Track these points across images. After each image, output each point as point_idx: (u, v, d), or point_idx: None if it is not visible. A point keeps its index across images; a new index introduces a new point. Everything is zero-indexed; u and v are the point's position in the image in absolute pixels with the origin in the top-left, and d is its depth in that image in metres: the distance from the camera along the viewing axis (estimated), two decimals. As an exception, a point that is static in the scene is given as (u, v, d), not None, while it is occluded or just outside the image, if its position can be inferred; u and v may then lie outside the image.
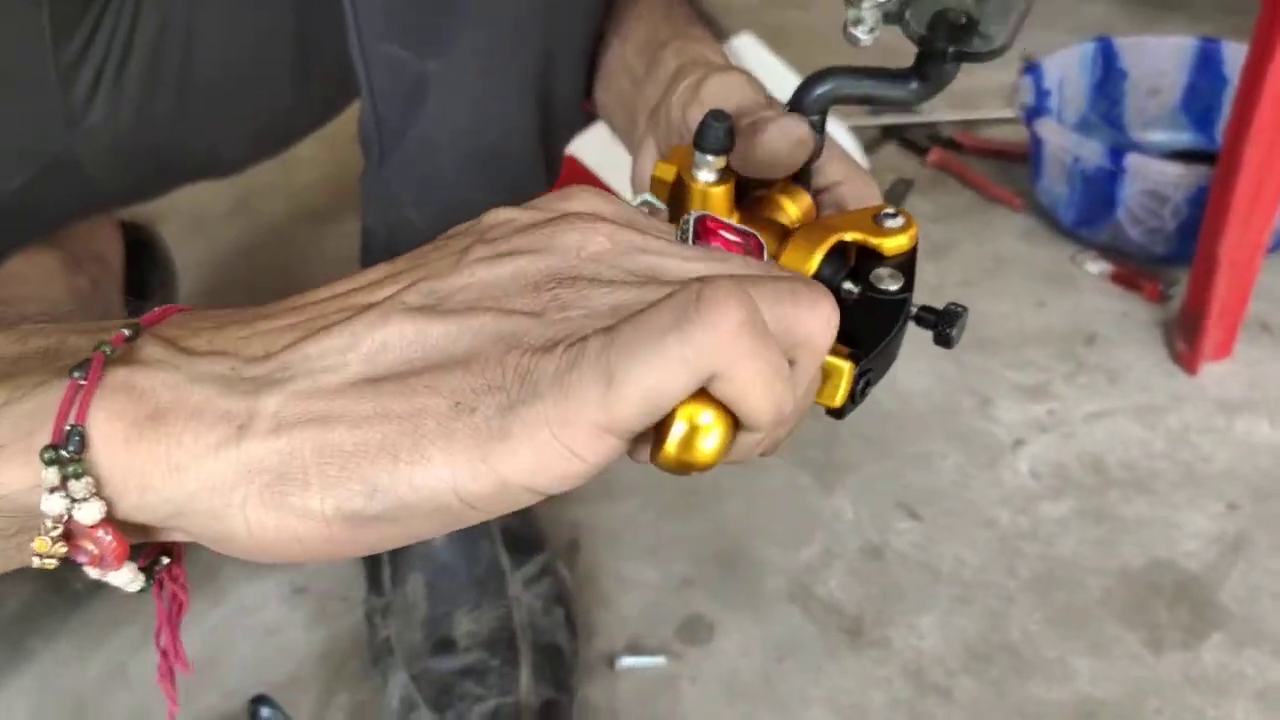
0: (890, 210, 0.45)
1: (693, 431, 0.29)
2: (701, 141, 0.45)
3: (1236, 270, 1.04)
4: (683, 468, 0.30)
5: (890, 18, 0.44)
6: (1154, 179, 1.14)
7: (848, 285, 0.44)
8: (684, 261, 0.33)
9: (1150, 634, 0.86)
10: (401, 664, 0.82)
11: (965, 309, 0.44)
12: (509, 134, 0.66)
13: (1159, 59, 1.34)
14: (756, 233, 0.37)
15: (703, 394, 0.29)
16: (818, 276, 0.44)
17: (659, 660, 0.86)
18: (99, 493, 0.30)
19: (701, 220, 0.36)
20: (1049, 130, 1.20)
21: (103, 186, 0.76)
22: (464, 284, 0.32)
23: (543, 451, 0.28)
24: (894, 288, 0.43)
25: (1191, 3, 1.65)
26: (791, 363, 0.32)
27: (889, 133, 1.46)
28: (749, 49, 1.34)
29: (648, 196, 0.50)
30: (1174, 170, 1.13)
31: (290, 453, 0.29)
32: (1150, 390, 1.07)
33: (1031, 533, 0.94)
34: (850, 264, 0.45)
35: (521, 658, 0.81)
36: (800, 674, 0.85)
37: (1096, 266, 1.22)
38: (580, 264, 0.32)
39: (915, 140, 1.43)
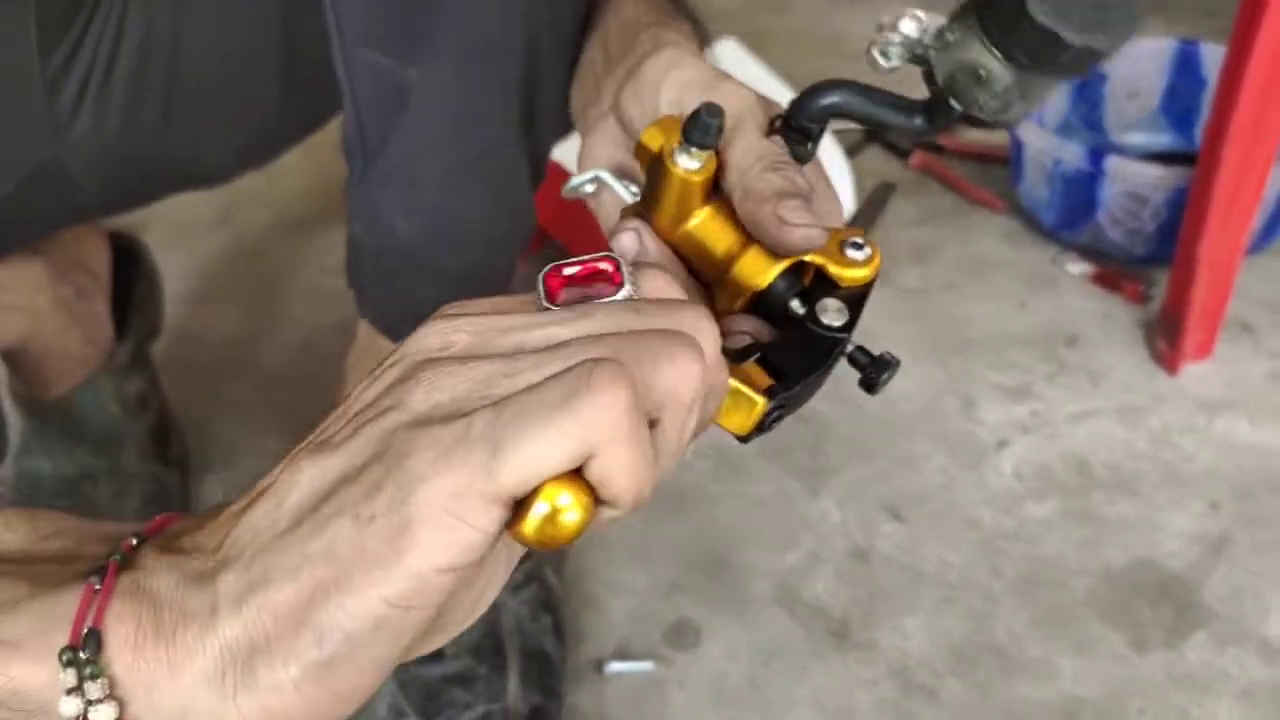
0: (858, 240, 0.44)
1: (554, 512, 0.30)
2: (689, 133, 0.43)
3: (1216, 271, 1.05)
4: (542, 545, 0.31)
5: (916, 59, 0.43)
6: (1133, 181, 1.15)
7: (795, 304, 0.44)
8: (547, 328, 0.34)
9: (1134, 633, 0.87)
10: (389, 671, 0.82)
11: (898, 361, 0.44)
12: (492, 140, 0.66)
13: (1138, 62, 1.35)
14: (609, 253, 0.37)
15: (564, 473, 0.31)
16: (770, 289, 0.44)
17: (647, 665, 0.86)
18: (112, 693, 0.31)
19: (545, 278, 0.36)
20: (1030, 133, 1.21)
21: (90, 195, 0.75)
22: (349, 413, 0.34)
23: (440, 530, 0.29)
24: (836, 323, 0.42)
25: (1170, 5, 1.66)
26: (656, 422, 0.32)
27: (872, 135, 1.47)
28: (730, 54, 1.35)
29: (601, 173, 0.49)
30: (1153, 172, 1.14)
31: (252, 623, 0.31)
32: (1132, 391, 1.08)
33: (1015, 533, 0.95)
34: (803, 284, 0.44)
35: (509, 664, 0.81)
36: (787, 676, 0.85)
37: (1078, 268, 1.22)
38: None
39: (898, 143, 1.44)
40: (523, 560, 0.90)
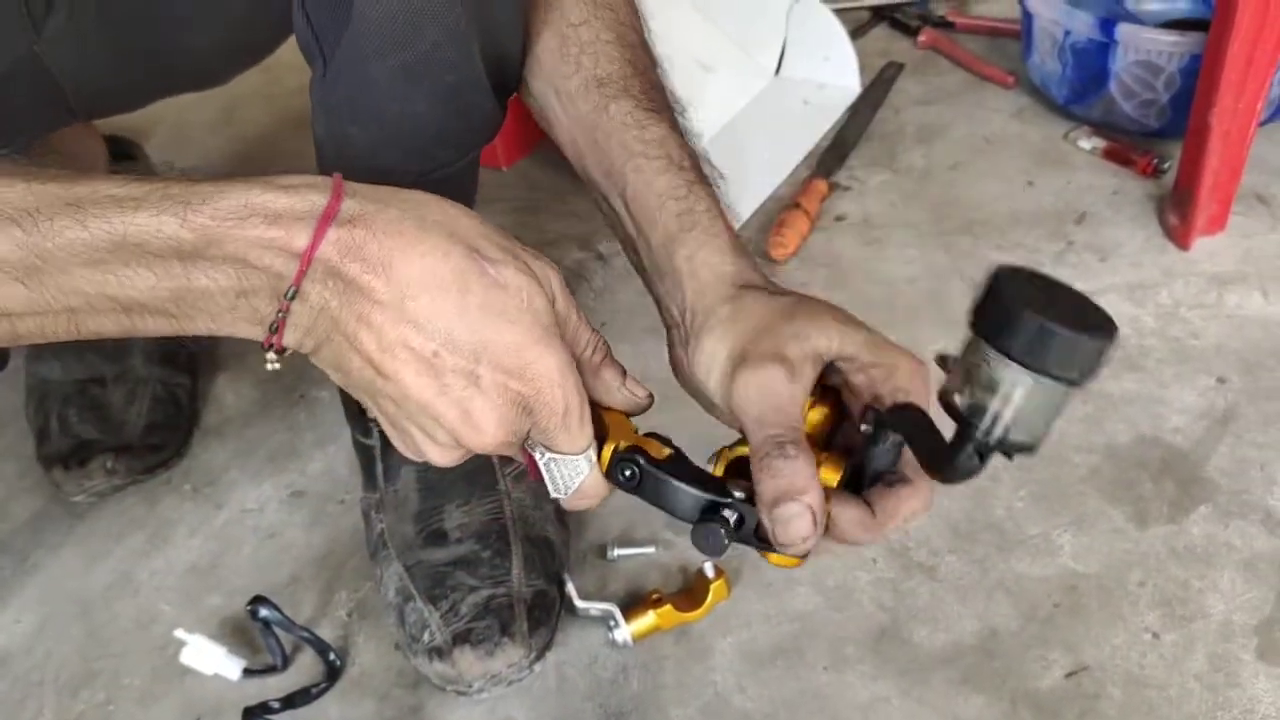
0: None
1: None
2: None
3: (1229, 141, 1.02)
4: None
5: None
6: (1146, 49, 1.11)
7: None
8: None
9: (1135, 509, 0.86)
10: (395, 556, 0.83)
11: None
12: (441, 42, 0.63)
13: (1156, -75, 1.30)
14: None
15: None
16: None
17: (649, 550, 0.87)
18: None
19: None
20: (1040, 3, 1.17)
21: (73, 95, 0.75)
22: None
23: None
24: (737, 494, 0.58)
25: None
26: None
27: (879, 14, 1.43)
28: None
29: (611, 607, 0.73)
30: (1166, 39, 1.10)
31: None
32: (1141, 267, 1.07)
33: (1018, 413, 0.94)
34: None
35: (513, 549, 0.82)
36: (787, 558, 0.86)
37: (1089, 143, 1.20)
38: None
39: (906, 21, 1.40)
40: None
